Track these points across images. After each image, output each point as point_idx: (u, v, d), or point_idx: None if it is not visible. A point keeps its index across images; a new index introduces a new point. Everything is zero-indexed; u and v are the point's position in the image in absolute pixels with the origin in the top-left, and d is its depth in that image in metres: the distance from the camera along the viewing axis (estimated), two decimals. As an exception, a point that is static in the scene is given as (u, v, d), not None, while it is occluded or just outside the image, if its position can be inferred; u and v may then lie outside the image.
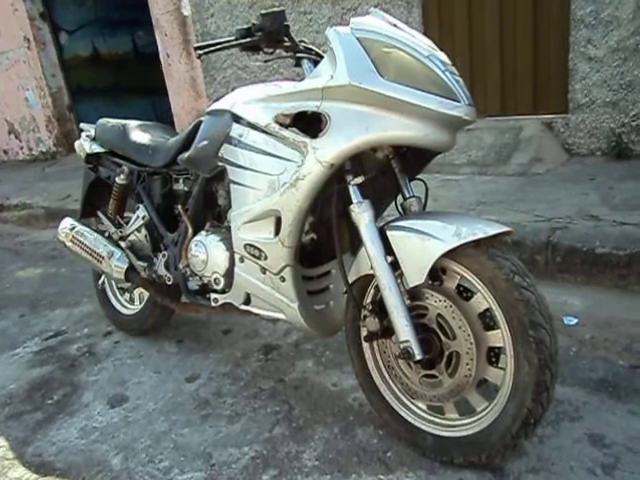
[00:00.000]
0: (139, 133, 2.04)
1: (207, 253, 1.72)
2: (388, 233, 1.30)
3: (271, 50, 1.47)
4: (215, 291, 1.74)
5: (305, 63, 1.47)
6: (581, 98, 3.40)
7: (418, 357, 1.29)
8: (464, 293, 1.32)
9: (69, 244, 2.24)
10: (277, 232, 1.47)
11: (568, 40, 3.35)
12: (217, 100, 1.69)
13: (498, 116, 3.72)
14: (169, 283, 1.95)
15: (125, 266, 2.05)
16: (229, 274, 1.67)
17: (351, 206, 1.35)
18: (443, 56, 1.29)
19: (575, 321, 1.97)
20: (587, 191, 2.83)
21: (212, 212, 1.81)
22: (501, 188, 3.10)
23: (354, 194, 1.36)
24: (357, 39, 1.26)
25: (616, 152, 3.30)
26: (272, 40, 1.43)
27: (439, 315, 1.32)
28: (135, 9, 6.16)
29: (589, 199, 2.71)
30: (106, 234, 2.20)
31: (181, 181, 1.91)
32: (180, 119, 5.65)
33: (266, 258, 1.52)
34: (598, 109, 3.36)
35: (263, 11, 1.40)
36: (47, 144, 7.07)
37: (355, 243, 1.47)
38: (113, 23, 7.16)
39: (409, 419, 1.45)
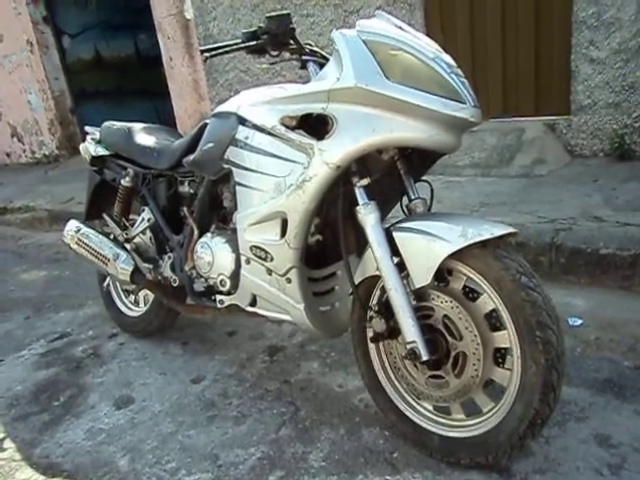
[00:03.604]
0: (144, 136, 2.05)
1: (213, 255, 1.73)
2: (394, 234, 1.31)
3: (277, 53, 1.48)
4: (221, 293, 1.75)
5: (311, 65, 1.47)
6: (583, 99, 3.40)
7: (424, 358, 1.29)
8: (470, 294, 1.32)
9: (74, 246, 2.24)
10: (283, 234, 1.47)
11: (570, 42, 3.35)
12: (221, 102, 1.70)
13: (500, 118, 3.73)
14: (175, 285, 1.96)
15: (131, 268, 2.06)
16: (235, 276, 1.67)
17: (357, 207, 1.36)
18: (448, 58, 1.30)
19: (580, 322, 1.97)
20: (590, 192, 2.84)
21: (217, 214, 1.82)
22: (504, 190, 3.11)
23: (360, 196, 1.36)
24: (363, 41, 1.27)
25: (619, 153, 3.31)
26: (278, 43, 1.44)
27: (445, 316, 1.32)
28: (137, 12, 6.19)
29: (592, 200, 2.71)
30: (111, 236, 2.20)
31: (186, 183, 1.92)
32: (183, 122, 5.66)
33: (272, 260, 1.52)
34: (600, 110, 3.36)
35: (269, 14, 1.41)
36: (50, 147, 7.08)
37: (361, 244, 1.47)
38: (115, 26, 7.17)
39: (415, 420, 1.46)
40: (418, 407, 1.47)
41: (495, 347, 1.29)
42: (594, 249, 2.22)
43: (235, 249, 1.65)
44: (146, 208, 2.04)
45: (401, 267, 1.30)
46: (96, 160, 2.18)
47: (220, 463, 1.51)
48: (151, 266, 2.05)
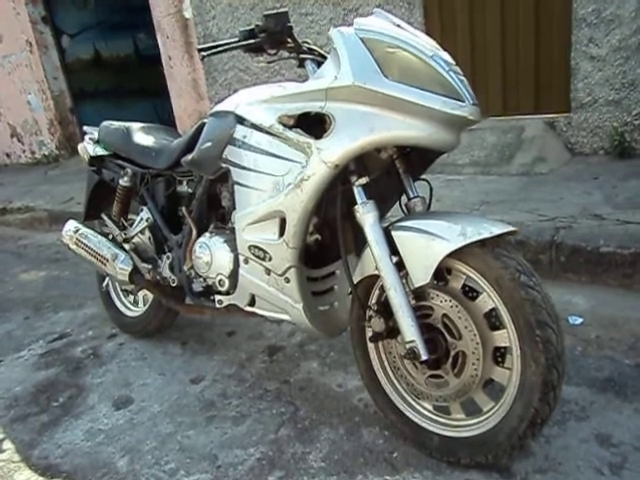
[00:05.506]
0: (142, 135, 2.05)
1: (211, 255, 1.72)
2: (393, 233, 1.30)
3: (274, 51, 1.47)
4: (219, 293, 1.74)
5: (308, 64, 1.46)
6: (583, 97, 3.39)
7: (424, 357, 1.29)
8: (470, 293, 1.32)
9: (73, 247, 2.24)
10: (281, 233, 1.47)
11: (570, 39, 3.34)
12: (220, 102, 1.70)
13: (500, 116, 3.72)
14: (173, 285, 1.95)
15: (129, 268, 2.05)
16: (233, 275, 1.67)
17: (355, 207, 1.36)
18: (447, 56, 1.29)
19: (580, 320, 1.97)
20: (590, 190, 2.83)
21: (216, 214, 1.81)
22: (504, 188, 3.10)
23: (358, 195, 1.36)
24: (361, 39, 1.26)
25: (619, 151, 3.30)
26: (275, 41, 1.43)
27: (445, 315, 1.31)
28: (136, 12, 6.18)
29: (593, 198, 2.70)
30: (110, 236, 2.20)
31: (185, 183, 1.91)
32: (182, 121, 5.66)
33: (270, 259, 1.52)
34: (601, 108, 3.35)
35: (266, 12, 1.40)
36: (49, 147, 7.08)
37: (359, 244, 1.46)
38: (115, 26, 7.17)
39: (415, 419, 1.45)
40: (418, 407, 1.47)
41: (495, 346, 1.29)
42: (594, 247, 2.21)
43: (234, 249, 1.65)
44: (145, 208, 2.04)
45: (400, 266, 1.30)
46: (94, 160, 2.17)
47: (219, 464, 1.51)
48: (150, 266, 2.04)
